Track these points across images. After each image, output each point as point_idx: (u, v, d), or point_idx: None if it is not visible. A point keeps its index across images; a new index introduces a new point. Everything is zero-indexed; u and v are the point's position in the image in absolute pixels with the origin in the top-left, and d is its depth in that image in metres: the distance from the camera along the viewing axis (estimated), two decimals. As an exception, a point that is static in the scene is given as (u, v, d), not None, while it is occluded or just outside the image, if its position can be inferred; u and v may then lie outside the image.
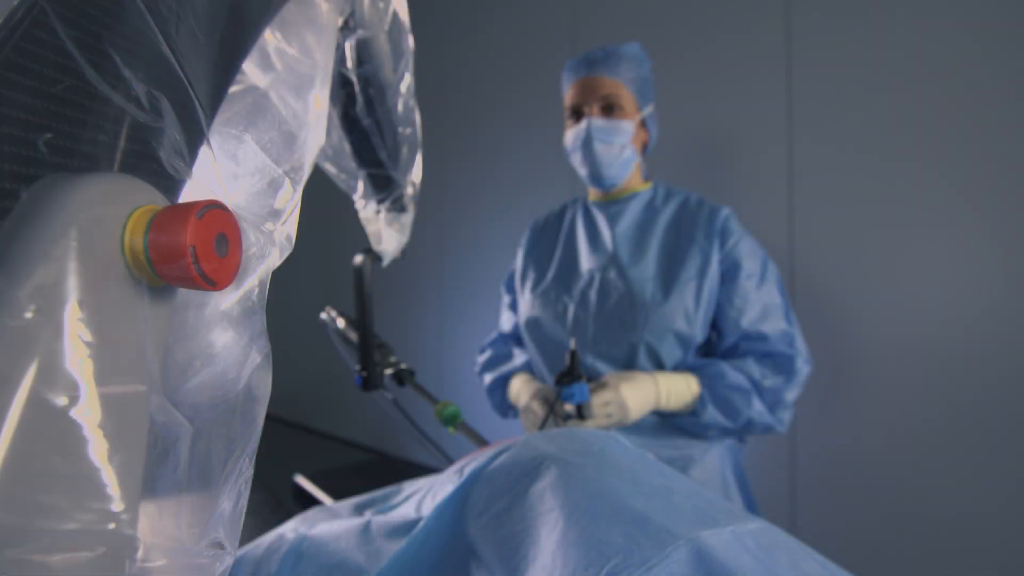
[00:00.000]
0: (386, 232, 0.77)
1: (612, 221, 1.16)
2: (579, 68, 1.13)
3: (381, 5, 0.56)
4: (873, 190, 1.30)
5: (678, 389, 1.02)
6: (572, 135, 1.13)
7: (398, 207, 0.76)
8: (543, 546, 0.41)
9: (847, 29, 1.33)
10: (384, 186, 0.73)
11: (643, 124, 1.14)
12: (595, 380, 1.01)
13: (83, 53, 0.21)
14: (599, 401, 0.96)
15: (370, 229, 0.78)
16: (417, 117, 0.70)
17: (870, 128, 1.30)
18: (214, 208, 0.21)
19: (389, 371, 0.99)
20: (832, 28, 1.35)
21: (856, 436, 1.33)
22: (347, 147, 0.68)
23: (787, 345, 1.05)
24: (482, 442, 0.94)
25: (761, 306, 1.06)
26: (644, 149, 1.17)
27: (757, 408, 1.01)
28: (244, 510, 0.27)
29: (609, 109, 1.10)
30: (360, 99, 0.61)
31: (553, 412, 0.97)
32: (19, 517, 0.17)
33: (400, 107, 0.66)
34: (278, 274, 0.31)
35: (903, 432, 1.27)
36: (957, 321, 1.20)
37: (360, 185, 0.73)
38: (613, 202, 1.17)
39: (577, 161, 1.15)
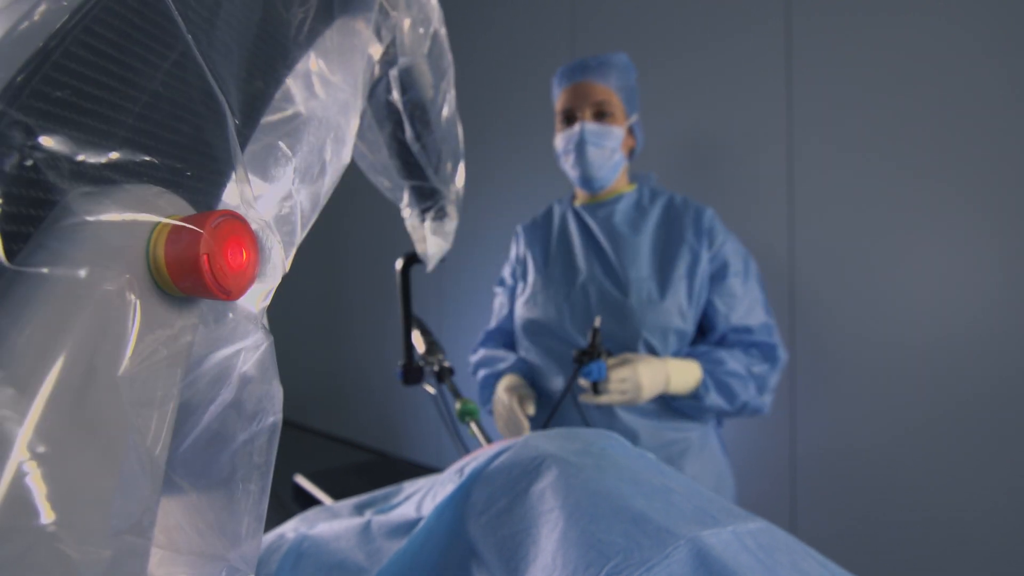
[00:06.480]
0: (430, 239, 0.80)
1: (604, 223, 1.20)
2: (572, 74, 1.18)
3: (421, 31, 0.57)
4: (873, 190, 1.30)
5: (683, 374, 1.08)
6: (564, 138, 1.18)
7: (441, 215, 0.79)
8: (543, 546, 0.41)
9: (847, 29, 1.33)
10: (428, 196, 0.77)
11: (630, 131, 1.20)
12: (615, 356, 1.06)
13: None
14: (617, 376, 1.01)
15: (415, 236, 0.82)
16: (459, 130, 0.72)
17: (870, 128, 1.30)
18: (230, 218, 0.21)
19: (430, 367, 1.04)
20: (832, 28, 1.35)
21: (856, 436, 1.33)
22: (393, 162, 0.70)
23: (768, 335, 1.13)
24: (489, 443, 0.94)
25: (748, 302, 1.13)
26: (631, 154, 1.24)
27: (751, 392, 1.09)
28: (261, 529, 0.26)
29: (601, 115, 1.15)
30: (407, 125, 0.64)
31: (569, 388, 1.01)
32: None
33: (444, 122, 0.67)
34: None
35: (903, 432, 1.27)
36: (956, 321, 1.21)
37: (405, 195, 0.76)
38: (601, 204, 1.22)
39: (569, 163, 1.19)
